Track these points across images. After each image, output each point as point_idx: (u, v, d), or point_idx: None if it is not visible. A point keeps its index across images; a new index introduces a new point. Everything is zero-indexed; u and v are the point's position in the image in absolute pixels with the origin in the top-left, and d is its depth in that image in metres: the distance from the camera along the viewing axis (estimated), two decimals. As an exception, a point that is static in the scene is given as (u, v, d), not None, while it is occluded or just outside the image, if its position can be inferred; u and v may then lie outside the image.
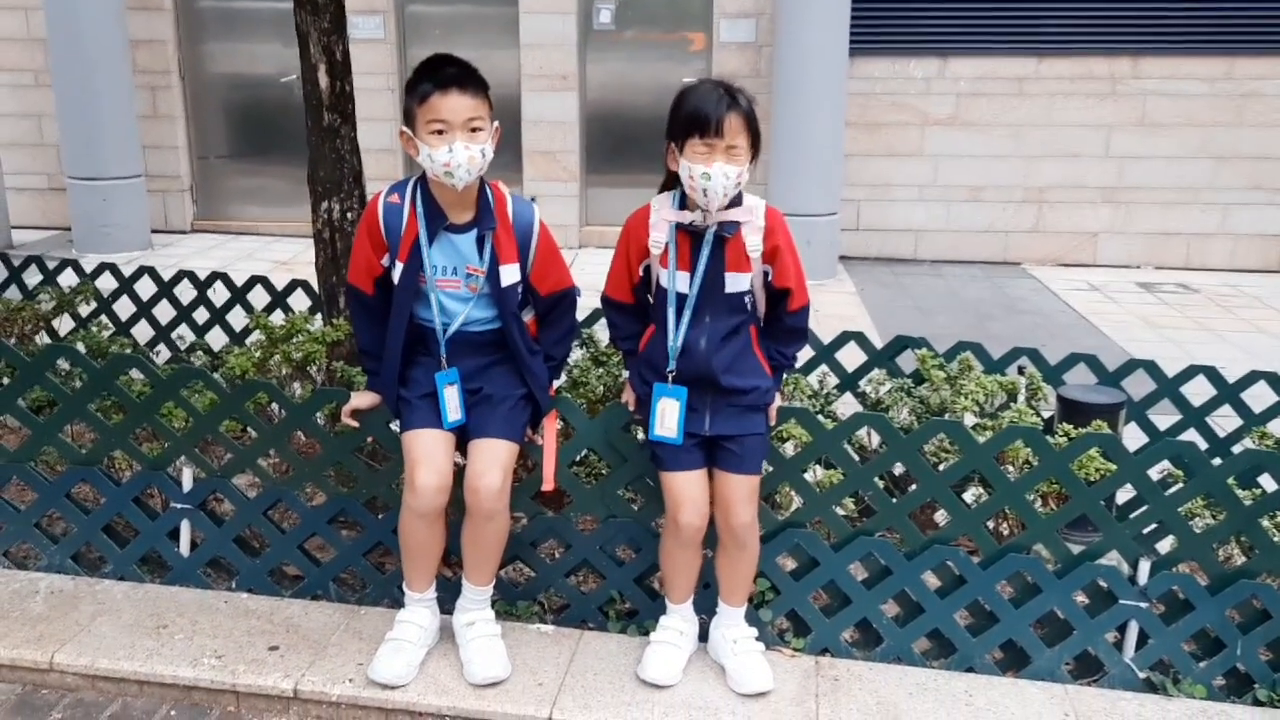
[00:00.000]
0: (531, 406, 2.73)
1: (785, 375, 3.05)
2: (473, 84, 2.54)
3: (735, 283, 2.57)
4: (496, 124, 2.62)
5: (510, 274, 2.66)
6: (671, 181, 2.61)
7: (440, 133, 2.51)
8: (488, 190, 2.68)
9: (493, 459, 2.62)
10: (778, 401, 2.74)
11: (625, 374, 2.84)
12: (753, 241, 2.55)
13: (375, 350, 2.75)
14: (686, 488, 2.62)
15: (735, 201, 2.55)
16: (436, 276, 2.64)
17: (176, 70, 8.60)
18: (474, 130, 2.53)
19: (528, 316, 2.77)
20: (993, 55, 7.84)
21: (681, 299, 2.57)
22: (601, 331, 3.36)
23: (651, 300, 2.71)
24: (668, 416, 2.59)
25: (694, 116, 2.46)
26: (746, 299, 2.60)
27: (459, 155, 2.50)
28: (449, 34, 8.41)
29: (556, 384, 2.91)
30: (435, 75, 2.52)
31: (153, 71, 8.53)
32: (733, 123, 2.44)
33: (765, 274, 2.60)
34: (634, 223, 2.66)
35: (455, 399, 2.66)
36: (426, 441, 2.64)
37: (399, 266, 2.65)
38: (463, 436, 2.71)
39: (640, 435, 2.81)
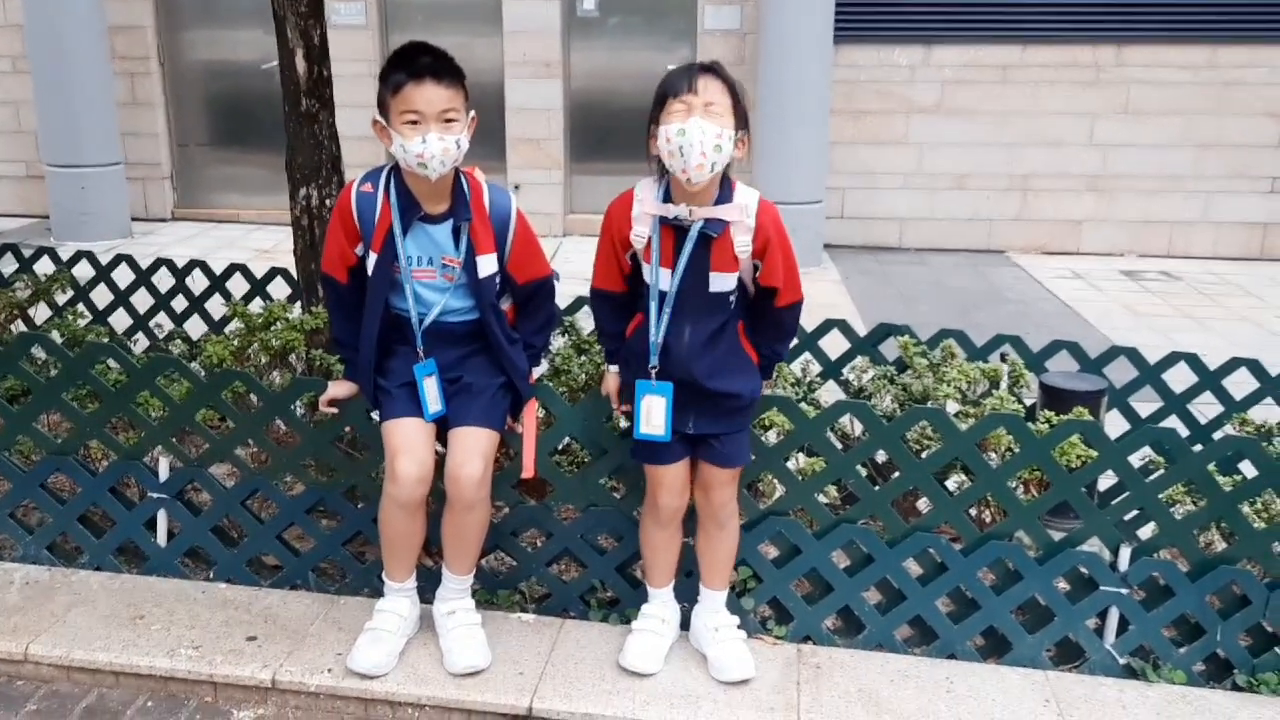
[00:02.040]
0: (511, 395, 2.70)
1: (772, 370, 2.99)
2: (448, 74, 2.49)
3: (720, 283, 2.48)
4: (473, 114, 2.58)
5: (488, 265, 2.62)
6: (659, 173, 2.49)
7: (414, 124, 2.46)
8: (463, 179, 2.63)
9: (473, 448, 2.59)
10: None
11: (607, 367, 2.78)
12: (741, 241, 2.44)
13: (350, 340, 2.72)
14: (666, 474, 2.61)
15: (726, 197, 2.45)
16: (412, 267, 2.61)
17: (156, 57, 8.51)
18: (448, 121, 2.48)
19: (505, 305, 2.75)
20: (977, 43, 7.83)
21: (663, 296, 2.50)
22: (584, 320, 3.33)
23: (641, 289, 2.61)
24: (654, 414, 2.51)
25: (667, 85, 2.39)
26: (731, 298, 2.52)
27: (432, 147, 2.45)
28: (431, 20, 8.35)
29: (538, 372, 2.89)
30: (409, 65, 2.47)
31: (132, 58, 8.44)
32: (708, 82, 2.36)
33: (755, 267, 2.52)
34: (615, 212, 2.55)
35: (435, 390, 2.63)
36: (407, 430, 2.61)
37: (372, 257, 2.61)
38: (443, 426, 2.69)
39: (624, 423, 2.79)
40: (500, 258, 2.66)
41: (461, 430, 2.62)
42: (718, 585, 2.74)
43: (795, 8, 7.11)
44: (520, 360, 2.70)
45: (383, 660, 2.64)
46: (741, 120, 2.41)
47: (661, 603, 2.78)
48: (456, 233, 2.61)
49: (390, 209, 2.58)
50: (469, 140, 2.55)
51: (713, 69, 2.40)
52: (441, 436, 2.70)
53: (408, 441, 2.60)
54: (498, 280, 2.67)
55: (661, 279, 2.49)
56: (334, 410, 2.80)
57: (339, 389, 2.78)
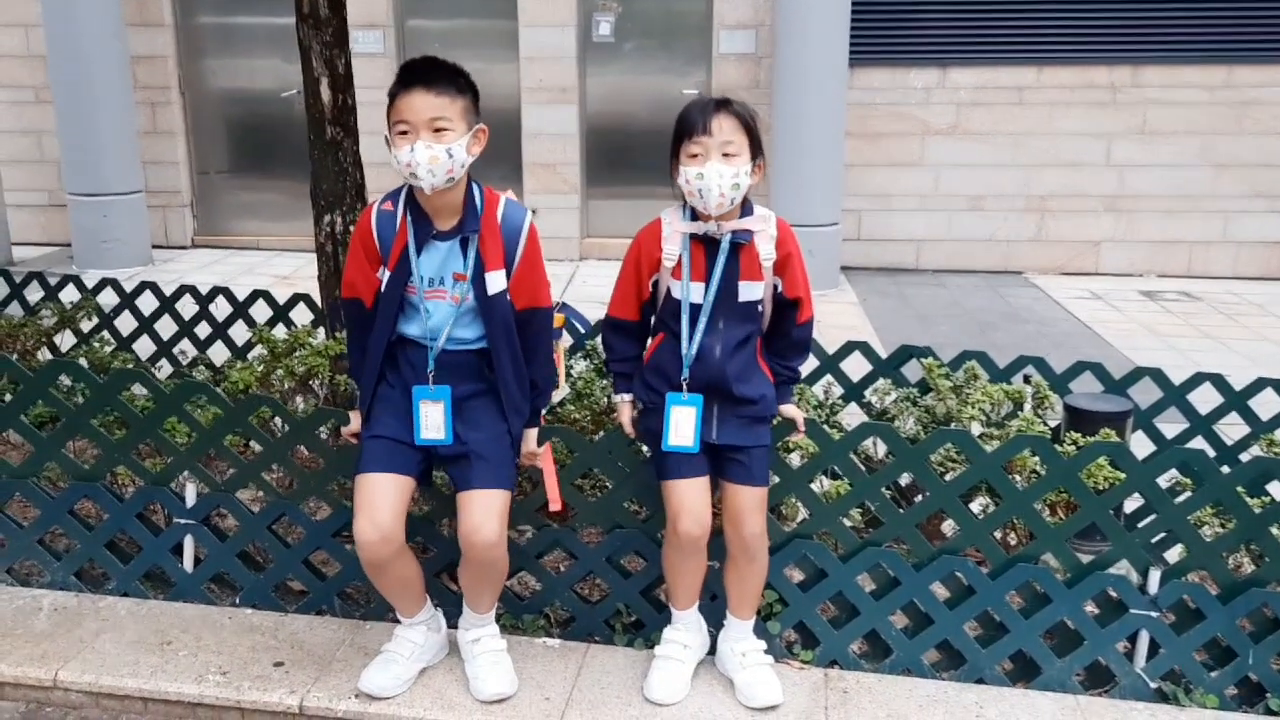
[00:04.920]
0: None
1: (793, 387, 3.01)
2: (440, 81, 2.42)
3: (749, 291, 2.56)
4: (480, 126, 2.50)
5: (496, 281, 2.54)
6: (683, 199, 2.58)
7: (404, 133, 2.42)
8: (476, 191, 2.57)
9: (487, 510, 2.53)
10: (795, 412, 2.71)
11: (619, 398, 2.77)
12: (765, 250, 2.55)
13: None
14: (687, 496, 2.60)
15: (747, 211, 2.56)
16: (424, 288, 2.55)
17: (177, 86, 8.62)
18: (438, 130, 2.40)
19: None
20: (993, 65, 7.86)
21: (695, 309, 2.56)
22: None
23: (657, 312, 2.67)
24: (683, 426, 2.56)
25: (684, 122, 2.49)
26: (759, 308, 2.60)
27: (419, 155, 2.38)
28: (449, 47, 8.40)
29: (558, 395, 2.86)
30: (403, 74, 2.45)
31: (153, 87, 8.54)
32: (723, 122, 2.45)
33: (775, 286, 2.60)
34: (645, 236, 2.64)
35: (439, 416, 2.55)
36: (373, 487, 2.53)
37: (386, 275, 2.55)
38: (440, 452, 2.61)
39: (645, 450, 2.80)
40: (509, 274, 2.57)
41: (473, 494, 2.55)
42: (745, 615, 2.74)
43: (810, 31, 7.15)
44: (522, 399, 2.62)
45: (389, 683, 2.64)
46: (756, 148, 2.51)
47: (684, 626, 2.77)
48: (464, 245, 2.54)
49: (407, 226, 2.54)
50: (472, 152, 2.47)
51: (727, 105, 2.49)
52: (440, 463, 2.65)
53: (369, 500, 2.52)
54: (510, 299, 2.59)
55: (693, 293, 2.57)
56: (355, 441, 2.78)
57: (359, 423, 2.72)
